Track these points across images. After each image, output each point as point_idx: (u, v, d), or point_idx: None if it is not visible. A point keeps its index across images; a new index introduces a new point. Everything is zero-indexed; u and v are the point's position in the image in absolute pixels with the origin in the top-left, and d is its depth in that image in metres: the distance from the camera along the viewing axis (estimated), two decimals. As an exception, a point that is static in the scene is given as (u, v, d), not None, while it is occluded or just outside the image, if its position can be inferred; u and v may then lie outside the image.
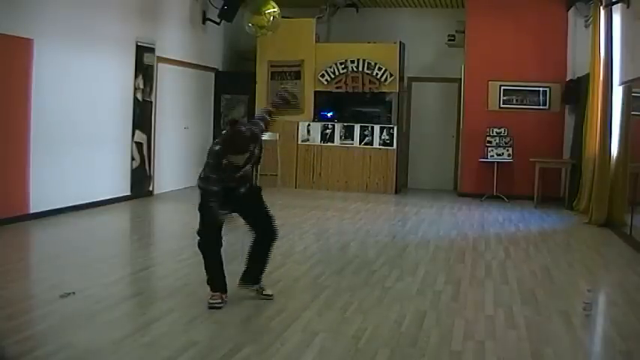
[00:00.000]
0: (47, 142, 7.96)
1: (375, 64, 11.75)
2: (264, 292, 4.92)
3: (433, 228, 8.47)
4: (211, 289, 4.72)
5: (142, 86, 9.95)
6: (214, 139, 12.40)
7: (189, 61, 11.38)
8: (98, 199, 8.99)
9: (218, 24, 11.77)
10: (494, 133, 11.22)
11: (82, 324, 4.25)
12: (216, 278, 4.74)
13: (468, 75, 11.57)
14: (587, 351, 4.24)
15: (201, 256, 4.74)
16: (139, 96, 9.92)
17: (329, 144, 12.02)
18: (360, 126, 11.92)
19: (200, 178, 4.66)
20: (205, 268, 4.75)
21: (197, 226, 4.67)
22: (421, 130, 12.79)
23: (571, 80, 11.03)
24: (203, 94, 12.16)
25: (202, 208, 4.64)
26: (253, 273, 4.93)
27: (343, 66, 11.92)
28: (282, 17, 10.90)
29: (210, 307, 4.61)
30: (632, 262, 6.69)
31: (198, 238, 4.68)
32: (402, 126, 12.26)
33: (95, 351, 3.80)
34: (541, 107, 11.34)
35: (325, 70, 11.97)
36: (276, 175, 11.71)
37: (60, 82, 8.13)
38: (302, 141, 12.06)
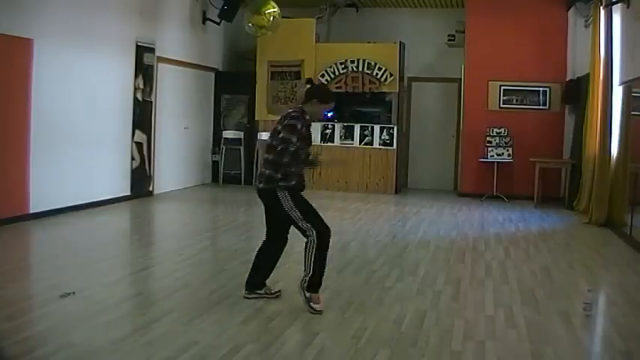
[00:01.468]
0: (47, 142, 7.96)
1: (375, 64, 11.74)
2: (272, 291, 4.90)
3: (433, 228, 8.47)
4: (314, 291, 4.56)
5: (142, 86, 9.95)
6: (214, 138, 12.43)
7: (189, 61, 11.38)
8: (98, 199, 9.00)
9: (218, 24, 11.77)
10: (494, 133, 11.22)
11: (82, 324, 4.25)
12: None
13: (468, 75, 11.56)
14: (587, 351, 4.24)
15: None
16: (139, 96, 9.92)
17: (329, 144, 12.01)
18: (360, 126, 11.92)
19: (277, 179, 4.51)
20: (322, 267, 4.59)
21: (308, 230, 4.58)
22: (421, 130, 12.79)
23: (571, 80, 11.03)
24: (203, 94, 12.15)
25: (301, 205, 4.56)
26: (259, 279, 4.88)
27: (343, 66, 11.92)
28: (282, 17, 10.92)
29: (317, 312, 4.52)
30: (632, 262, 6.70)
31: (317, 241, 4.54)
32: (402, 126, 12.26)
33: (95, 351, 3.80)
34: (541, 107, 11.34)
35: (325, 70, 11.96)
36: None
37: (60, 82, 8.14)
38: (302, 141, 12.02)
